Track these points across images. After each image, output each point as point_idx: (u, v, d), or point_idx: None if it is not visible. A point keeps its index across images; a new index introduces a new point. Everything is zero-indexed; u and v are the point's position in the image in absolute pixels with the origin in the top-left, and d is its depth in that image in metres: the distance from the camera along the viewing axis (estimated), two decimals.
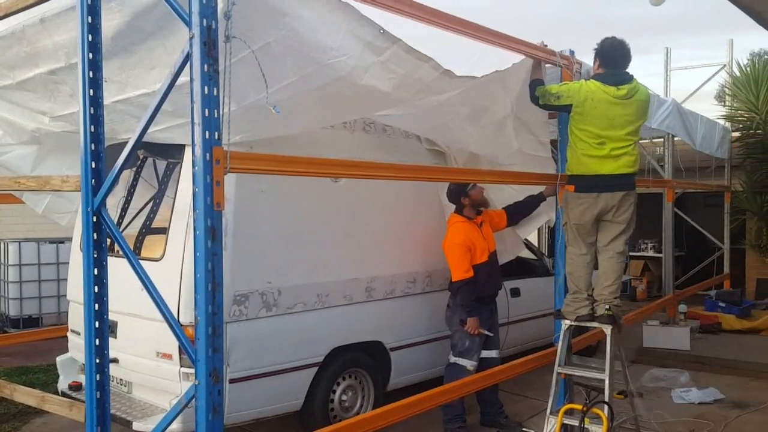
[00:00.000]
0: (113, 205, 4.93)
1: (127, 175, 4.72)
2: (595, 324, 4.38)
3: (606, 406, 3.51)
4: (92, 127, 2.92)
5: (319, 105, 3.52)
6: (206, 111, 2.45)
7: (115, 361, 4.09)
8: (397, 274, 4.96)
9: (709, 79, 10.51)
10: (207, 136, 2.45)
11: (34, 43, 3.43)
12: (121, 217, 4.79)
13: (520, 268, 6.42)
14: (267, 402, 4.19)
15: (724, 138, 9.62)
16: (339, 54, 3.07)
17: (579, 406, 3.47)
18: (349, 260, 4.63)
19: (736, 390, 6.00)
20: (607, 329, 4.29)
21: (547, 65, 4.68)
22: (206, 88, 2.44)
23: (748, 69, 10.06)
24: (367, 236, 4.78)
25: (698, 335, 7.73)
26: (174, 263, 3.92)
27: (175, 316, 3.84)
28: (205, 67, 2.44)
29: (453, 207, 5.13)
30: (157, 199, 4.53)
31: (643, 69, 4.70)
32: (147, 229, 4.45)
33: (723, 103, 11.08)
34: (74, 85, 3.62)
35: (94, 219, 2.93)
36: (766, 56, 14.25)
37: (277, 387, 4.20)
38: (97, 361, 2.97)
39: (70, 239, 5.31)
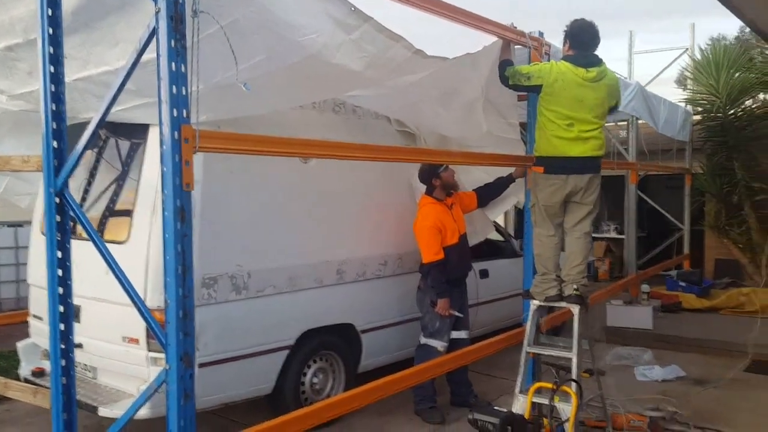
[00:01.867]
0: (74, 188, 4.78)
1: (89, 156, 4.58)
2: (563, 304, 4.42)
3: (575, 384, 3.56)
4: (54, 105, 2.82)
5: (289, 84, 3.46)
6: (174, 88, 2.38)
7: (80, 346, 3.99)
8: (368, 257, 4.95)
9: (671, 63, 10.67)
10: (175, 114, 2.38)
11: None
12: (83, 199, 4.65)
13: (488, 250, 6.46)
14: (237, 386, 4.14)
15: (685, 121, 9.80)
16: (310, 32, 3.01)
17: (549, 385, 3.51)
18: (319, 243, 4.59)
19: (698, 367, 6.17)
20: (575, 309, 4.34)
21: (516, 47, 4.68)
22: (173, 64, 2.37)
23: (709, 53, 10.23)
24: (338, 218, 4.74)
25: (660, 314, 7.91)
26: (139, 246, 3.83)
27: (142, 300, 3.80)
28: (172, 42, 2.37)
29: (423, 189, 5.12)
30: (120, 181, 4.41)
31: (606, 53, 4.75)
32: (110, 212, 4.34)
33: (683, 88, 11.29)
34: (33, 62, 3.48)
35: (57, 200, 2.84)
36: (725, 41, 14.60)
37: (247, 371, 4.16)
38: (62, 346, 2.90)
39: (29, 223, 5.14)
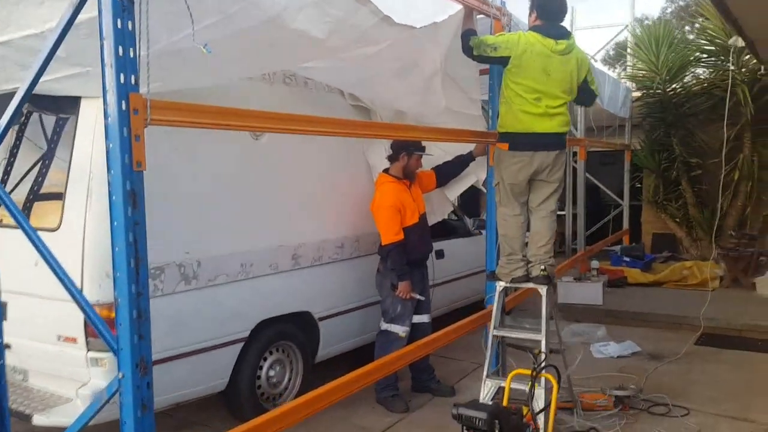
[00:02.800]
0: None
1: (9, 133, 4.08)
2: (530, 284, 4.28)
3: (553, 369, 3.42)
4: None
5: (242, 52, 3.10)
6: (120, 49, 2.01)
7: (8, 347, 3.56)
8: (324, 240, 4.66)
9: (612, 39, 10.76)
10: (122, 80, 2.02)
11: None
12: (3, 182, 4.17)
13: (443, 230, 6.28)
14: (189, 384, 3.80)
15: (626, 98, 9.90)
16: None
17: (527, 371, 3.35)
18: (274, 226, 4.27)
19: (650, 342, 6.21)
20: (543, 289, 4.21)
21: (479, 16, 4.44)
22: (119, 20, 2.00)
23: (650, 29, 10.33)
24: (293, 200, 4.43)
25: (607, 290, 7.98)
26: (73, 233, 3.41)
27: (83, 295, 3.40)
28: None
29: (381, 168, 4.86)
30: (46, 161, 3.95)
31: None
32: (35, 195, 3.88)
33: (613, 68, 11.41)
34: None
35: None
36: (647, 20, 14.86)
37: (199, 367, 3.82)
38: None
39: None
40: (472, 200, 10.35)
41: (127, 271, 2.06)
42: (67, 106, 3.61)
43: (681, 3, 27.03)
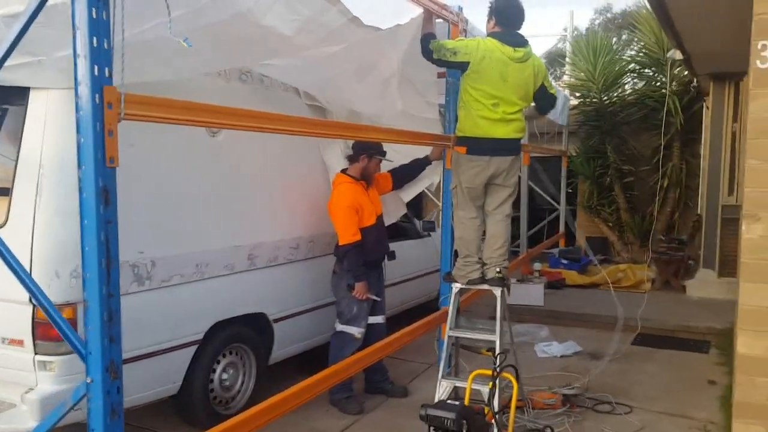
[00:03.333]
0: None
1: None
2: (485, 286, 4.36)
3: (512, 369, 3.49)
4: None
5: (210, 47, 3.02)
6: (95, 40, 1.92)
7: None
8: (280, 240, 4.60)
9: (552, 48, 11.08)
10: (96, 73, 1.93)
11: None
12: None
13: (394, 231, 6.30)
14: (140, 388, 3.65)
15: (564, 105, 10.20)
16: None
17: (488, 372, 3.41)
18: (229, 225, 4.17)
19: (590, 341, 6.42)
20: (498, 291, 4.29)
21: (437, 20, 4.49)
22: (94, 10, 1.91)
23: (587, 40, 10.71)
24: (249, 199, 4.34)
25: (546, 291, 8.19)
26: (21, 230, 3.24)
27: (26, 296, 3.23)
28: None
29: (338, 168, 4.85)
30: None
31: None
32: None
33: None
34: None
35: None
36: (577, 31, 15.43)
37: (151, 371, 3.69)
38: None
39: None
40: (415, 202, 10.48)
41: (98, 271, 1.98)
42: (12, 98, 3.42)
43: (608, 15, 28.23)
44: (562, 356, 5.97)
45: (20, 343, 3.29)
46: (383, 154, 4.82)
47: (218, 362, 4.22)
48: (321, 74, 4.39)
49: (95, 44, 1.92)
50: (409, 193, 5.54)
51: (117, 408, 2.08)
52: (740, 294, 2.84)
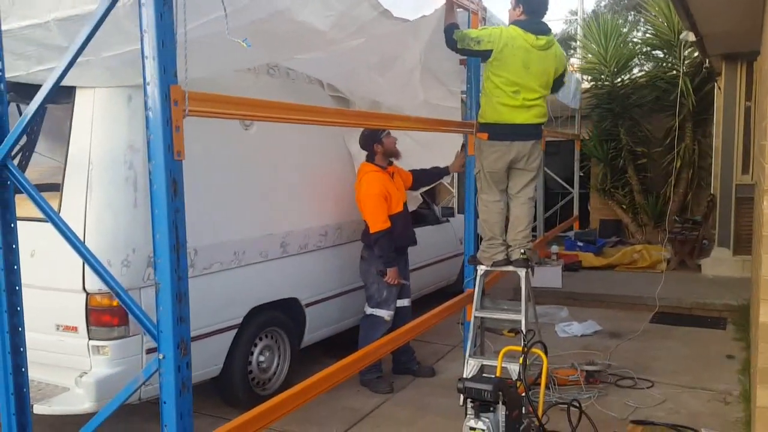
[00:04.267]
0: None
1: None
2: (510, 268, 4.51)
3: (541, 345, 3.64)
4: None
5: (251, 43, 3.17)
6: (162, 42, 2.07)
7: None
8: (310, 228, 4.77)
9: (564, 32, 11.12)
10: (164, 72, 2.09)
11: None
12: None
13: (414, 217, 6.44)
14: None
15: (576, 89, 10.30)
16: None
17: (518, 348, 3.57)
18: (263, 215, 4.35)
19: (609, 321, 6.57)
20: (522, 272, 4.44)
21: (458, 10, 4.61)
22: (161, 14, 2.06)
23: (599, 23, 10.75)
24: (280, 189, 4.51)
25: (563, 273, 8.33)
26: (74, 224, 3.39)
27: (80, 284, 3.42)
28: None
29: (363, 156, 4.99)
30: (28, 151, 3.91)
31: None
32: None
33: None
34: None
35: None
36: (584, 14, 15.47)
37: (195, 354, 3.83)
38: (12, 339, 2.52)
39: None
40: (429, 189, 10.62)
41: (168, 256, 2.14)
42: (59, 97, 3.58)
43: None
44: (582, 335, 6.13)
45: (74, 329, 3.48)
46: (386, 131, 4.91)
47: (255, 345, 4.40)
48: (344, 66, 4.53)
49: (163, 45, 2.07)
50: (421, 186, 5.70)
51: (187, 382, 2.25)
52: (762, 266, 2.97)
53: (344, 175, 5.10)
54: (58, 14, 2.84)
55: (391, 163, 4.96)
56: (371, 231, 4.73)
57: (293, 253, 4.59)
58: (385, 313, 4.81)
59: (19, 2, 2.84)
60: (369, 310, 4.86)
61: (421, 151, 5.55)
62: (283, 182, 4.52)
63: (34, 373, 3.74)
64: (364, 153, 5.01)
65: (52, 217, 2.39)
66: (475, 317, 4.53)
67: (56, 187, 3.50)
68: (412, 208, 5.82)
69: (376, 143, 4.82)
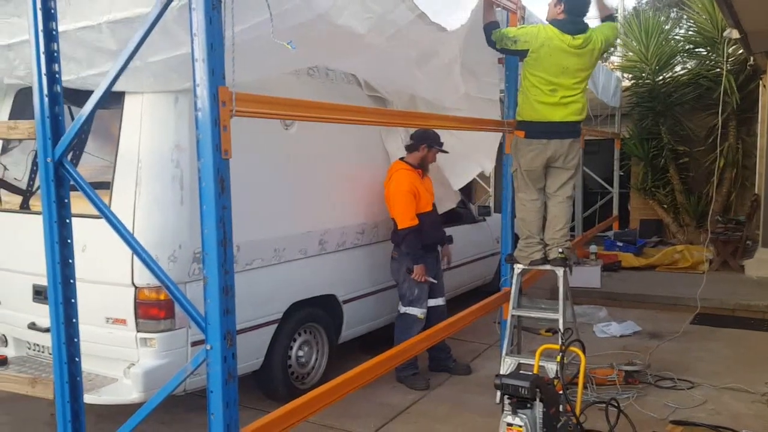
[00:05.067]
0: (22, 160, 4.40)
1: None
2: (547, 267, 4.51)
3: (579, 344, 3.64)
4: (48, 65, 2.52)
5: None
6: (211, 44, 2.16)
7: (48, 330, 3.69)
8: (347, 226, 4.84)
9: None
10: (213, 74, 2.17)
11: None
12: (33, 171, 4.29)
13: (450, 216, 6.48)
14: None
15: (617, 87, 10.17)
16: None
17: (555, 346, 3.58)
18: (302, 212, 4.44)
19: (648, 322, 6.50)
20: (560, 271, 4.44)
21: (497, 9, 4.62)
22: (211, 18, 2.15)
23: (640, 20, 10.60)
24: (319, 187, 4.59)
25: (602, 273, 8.25)
26: (123, 220, 3.53)
27: (129, 279, 3.55)
28: None
29: (399, 155, 5.05)
30: (78, 151, 4.07)
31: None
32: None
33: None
34: None
35: (56, 171, 2.56)
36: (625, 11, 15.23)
37: (238, 347, 3.94)
38: (66, 330, 2.65)
39: None
40: (465, 188, 10.61)
41: (216, 250, 2.23)
42: (110, 101, 3.72)
43: None
44: (621, 336, 6.07)
45: (123, 322, 3.61)
46: (441, 145, 4.99)
47: (294, 340, 4.50)
48: (383, 63, 4.57)
49: (213, 48, 2.16)
50: (460, 181, 5.70)
51: (232, 372, 2.34)
52: None
53: (381, 174, 5.15)
54: (110, 17, 2.95)
55: (420, 170, 4.99)
56: (399, 228, 4.77)
57: (331, 250, 4.67)
58: (418, 311, 4.85)
59: (75, 3, 2.96)
60: (402, 309, 4.92)
61: (463, 147, 5.56)
62: (321, 180, 4.60)
63: (85, 364, 3.84)
64: (402, 152, 5.06)
65: (105, 213, 2.50)
66: (512, 316, 4.54)
67: (104, 185, 3.64)
68: (450, 206, 5.86)
69: (425, 144, 4.87)
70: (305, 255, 4.44)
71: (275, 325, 4.24)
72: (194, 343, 3.68)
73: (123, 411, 3.58)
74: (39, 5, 2.49)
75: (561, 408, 3.10)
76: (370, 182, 5.12)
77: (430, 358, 5.21)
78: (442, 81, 4.78)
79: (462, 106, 5.00)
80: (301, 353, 4.56)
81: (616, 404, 3.50)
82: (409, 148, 4.97)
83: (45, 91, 2.54)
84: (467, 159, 5.73)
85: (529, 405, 2.91)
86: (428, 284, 4.95)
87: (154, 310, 3.54)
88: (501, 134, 5.24)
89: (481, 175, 7.71)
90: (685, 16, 11.12)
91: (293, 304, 4.35)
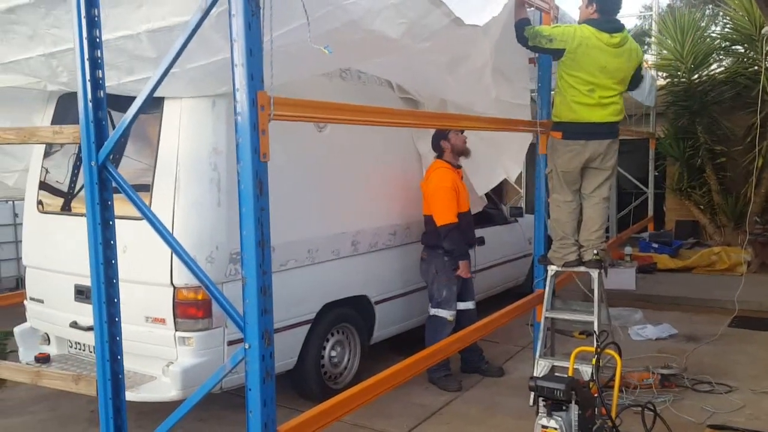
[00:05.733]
0: (63, 164, 4.51)
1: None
2: (582, 268, 4.48)
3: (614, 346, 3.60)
4: (92, 71, 2.60)
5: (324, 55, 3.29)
6: (250, 50, 2.20)
7: (91, 329, 3.80)
8: (380, 227, 4.88)
9: (637, 28, 10.84)
10: (252, 79, 2.22)
11: None
12: (75, 174, 4.39)
13: (482, 218, 6.47)
14: None
15: (652, 86, 10.01)
16: None
17: (590, 349, 3.55)
18: (335, 213, 4.48)
19: (684, 325, 6.39)
20: (595, 273, 4.40)
21: (529, 9, 4.60)
22: (250, 24, 2.19)
23: (675, 18, 10.42)
24: (352, 188, 4.64)
25: (637, 275, 8.14)
26: (162, 221, 3.62)
27: (168, 279, 3.63)
28: None
29: (432, 156, 5.06)
30: (119, 154, 4.16)
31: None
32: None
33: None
34: (36, 25, 3.22)
35: (100, 175, 2.63)
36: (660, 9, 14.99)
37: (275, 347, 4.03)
38: (109, 329, 2.72)
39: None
40: (496, 189, 10.58)
41: (254, 251, 2.28)
42: (150, 106, 3.81)
43: None
44: (657, 339, 5.98)
45: (162, 321, 3.69)
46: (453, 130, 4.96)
47: (327, 341, 4.54)
48: (414, 67, 4.59)
49: (252, 54, 2.20)
50: (483, 186, 5.69)
51: (270, 371, 2.39)
52: None
53: (413, 176, 5.19)
54: (149, 26, 3.03)
55: (460, 167, 5.00)
56: (440, 224, 4.74)
57: (363, 251, 4.71)
58: (447, 314, 4.85)
59: (113, 15, 3.03)
60: (432, 311, 4.92)
61: (490, 151, 5.56)
62: (354, 182, 4.64)
63: (124, 362, 4.02)
64: (434, 153, 5.07)
65: (147, 215, 2.57)
66: (546, 318, 4.52)
67: (143, 188, 3.72)
68: (476, 210, 5.84)
69: (443, 140, 4.88)
70: (338, 256, 4.48)
71: (308, 325, 4.29)
72: (230, 342, 3.75)
73: (161, 408, 3.67)
74: (84, 13, 2.57)
75: (596, 411, 3.08)
76: (402, 183, 5.14)
77: (462, 360, 5.20)
78: (473, 85, 4.78)
79: (492, 110, 4.99)
80: (333, 353, 4.60)
81: (652, 408, 3.46)
82: (438, 152, 4.97)
83: (89, 97, 2.62)
84: (492, 164, 5.72)
85: (564, 407, 2.90)
86: (458, 285, 4.94)
87: (192, 309, 3.62)
88: (529, 141, 5.24)
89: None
90: (721, 13, 10.89)
91: (326, 305, 4.40)
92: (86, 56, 2.60)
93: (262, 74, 2.27)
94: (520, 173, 11.24)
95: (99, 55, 2.61)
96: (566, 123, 4.34)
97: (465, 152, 4.97)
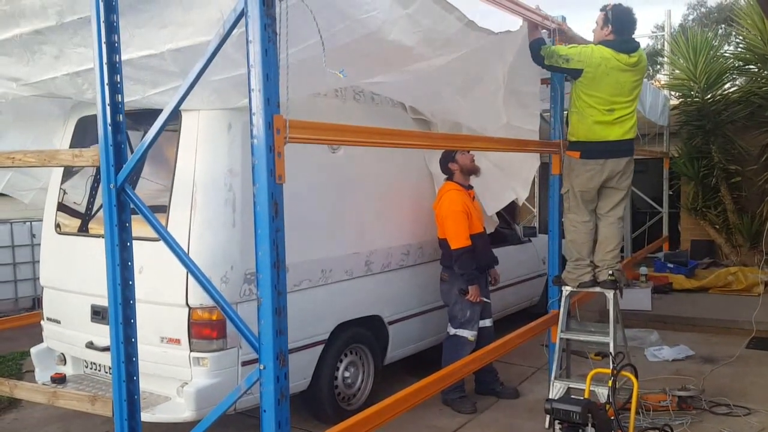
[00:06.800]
0: (81, 185, 4.57)
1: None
2: (597, 289, 4.45)
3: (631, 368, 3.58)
4: (111, 95, 2.65)
5: (344, 65, 3.32)
6: (267, 75, 2.24)
7: (107, 349, 3.82)
8: (393, 247, 4.89)
9: (650, 47, 10.85)
10: (268, 103, 2.25)
11: (14, 1, 3.08)
12: (92, 196, 4.44)
13: (495, 238, 6.45)
14: None
15: (665, 106, 10.01)
16: (371, 9, 2.90)
17: (606, 371, 3.52)
18: (349, 234, 4.50)
19: (701, 346, 6.32)
20: (610, 294, 4.37)
21: (543, 31, 4.63)
22: (266, 50, 2.23)
23: (687, 38, 10.44)
24: (365, 209, 4.65)
25: (653, 295, 8.07)
26: (178, 241, 3.65)
27: (183, 299, 3.65)
28: (265, 26, 2.22)
29: (442, 178, 5.08)
30: (136, 176, 4.21)
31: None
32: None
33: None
34: (62, 45, 3.29)
35: (118, 197, 2.67)
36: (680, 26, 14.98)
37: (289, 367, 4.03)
38: (125, 349, 2.74)
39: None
40: (509, 208, 10.56)
41: (270, 272, 2.29)
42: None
43: (702, 10, 27.08)
44: (673, 360, 5.92)
45: (177, 341, 3.71)
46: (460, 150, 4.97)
47: (341, 361, 4.53)
48: (428, 88, 4.62)
49: (268, 79, 2.24)
50: (493, 207, 5.68)
51: (285, 391, 2.39)
52: None
53: (426, 196, 5.20)
54: (172, 45, 3.08)
55: (471, 187, 5.01)
56: (453, 247, 4.76)
57: (377, 271, 4.72)
58: (469, 334, 4.83)
59: (138, 35, 3.09)
60: (452, 331, 4.90)
61: (499, 173, 5.57)
62: (367, 202, 4.66)
63: (141, 383, 4.04)
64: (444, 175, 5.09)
65: (164, 236, 2.60)
66: (561, 339, 4.49)
67: (160, 209, 3.75)
68: (489, 230, 5.83)
69: (451, 162, 4.90)
70: (351, 276, 4.49)
71: (322, 346, 4.29)
72: (245, 363, 3.75)
73: (173, 429, 3.67)
74: (104, 39, 2.62)
75: None
76: (415, 203, 5.16)
77: (476, 381, 5.16)
78: (485, 109, 4.82)
79: (502, 134, 5.01)
80: (347, 374, 4.59)
81: (669, 430, 3.42)
82: (448, 174, 4.98)
83: (108, 121, 2.66)
84: (502, 185, 5.71)
85: (581, 430, 2.88)
86: (480, 305, 4.93)
87: (207, 330, 3.63)
88: (537, 164, 5.23)
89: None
90: (734, 33, 10.89)
91: (339, 325, 4.40)
92: (106, 81, 2.65)
93: (278, 98, 2.30)
94: (533, 193, 11.25)
95: (118, 79, 2.66)
96: (585, 142, 4.34)
97: (474, 171, 4.98)
